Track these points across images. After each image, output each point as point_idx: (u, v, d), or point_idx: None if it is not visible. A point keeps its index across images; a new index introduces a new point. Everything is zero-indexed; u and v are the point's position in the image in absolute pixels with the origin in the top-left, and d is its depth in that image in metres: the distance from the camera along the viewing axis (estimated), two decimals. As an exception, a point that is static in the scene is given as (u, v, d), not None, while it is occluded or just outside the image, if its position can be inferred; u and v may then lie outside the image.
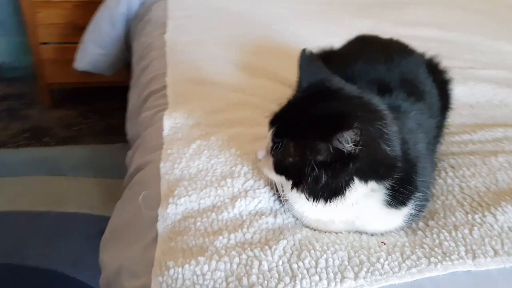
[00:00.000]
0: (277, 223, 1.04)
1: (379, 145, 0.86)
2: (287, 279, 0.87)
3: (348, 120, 0.81)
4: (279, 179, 0.98)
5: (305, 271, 0.89)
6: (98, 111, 3.11)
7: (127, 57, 2.68)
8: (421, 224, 1.03)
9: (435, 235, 0.99)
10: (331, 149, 0.83)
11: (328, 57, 1.32)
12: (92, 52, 2.64)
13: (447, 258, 0.92)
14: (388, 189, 0.92)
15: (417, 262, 0.91)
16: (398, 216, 0.99)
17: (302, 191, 0.92)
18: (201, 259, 0.93)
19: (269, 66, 1.65)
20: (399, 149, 0.90)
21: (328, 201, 0.90)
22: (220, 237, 0.98)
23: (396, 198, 0.94)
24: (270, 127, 0.96)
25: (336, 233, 1.02)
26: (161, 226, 1.05)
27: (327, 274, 0.88)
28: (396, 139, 0.90)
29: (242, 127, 1.34)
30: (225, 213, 1.05)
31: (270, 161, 0.96)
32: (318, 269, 0.89)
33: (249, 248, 0.94)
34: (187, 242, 0.99)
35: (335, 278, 0.87)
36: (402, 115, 1.02)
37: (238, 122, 1.36)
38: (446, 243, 0.96)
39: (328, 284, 0.86)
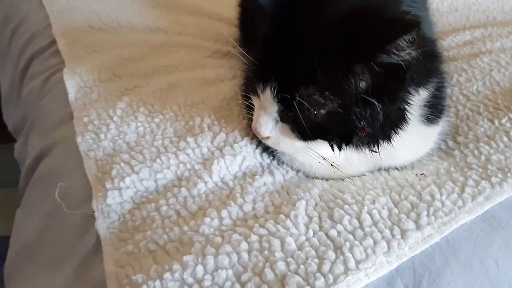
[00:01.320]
0: (278, 181, 0.74)
1: (424, 38, 0.59)
2: (331, 254, 0.58)
3: (397, 20, 0.54)
4: (313, 147, 0.66)
5: (350, 236, 0.61)
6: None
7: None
8: (450, 143, 0.81)
9: (476, 151, 0.77)
10: (378, 67, 0.55)
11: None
12: None
13: (508, 174, 0.70)
14: (428, 98, 0.67)
15: (479, 188, 0.68)
16: (433, 135, 0.76)
17: (359, 145, 0.64)
18: (187, 258, 0.59)
19: (189, 0, 1.29)
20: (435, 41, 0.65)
21: (392, 137, 0.63)
22: (207, 219, 0.65)
23: (434, 110, 0.70)
24: (262, 85, 0.62)
25: (354, 176, 0.75)
26: (102, 226, 0.69)
27: (381, 232, 0.61)
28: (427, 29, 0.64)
29: (181, 72, 1.00)
30: (200, 185, 0.72)
31: (287, 129, 0.64)
32: (367, 229, 0.62)
33: (257, 224, 0.63)
34: (155, 240, 0.65)
35: (393, 235, 0.61)
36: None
37: (173, 67, 1.01)
38: (494, 157, 0.75)
39: (389, 245, 0.59)
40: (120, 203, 0.71)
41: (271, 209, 0.66)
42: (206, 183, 0.72)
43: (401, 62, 0.53)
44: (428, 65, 0.64)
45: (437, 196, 0.66)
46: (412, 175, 0.73)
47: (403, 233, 0.61)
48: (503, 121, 0.84)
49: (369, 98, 0.56)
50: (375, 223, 0.62)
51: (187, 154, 0.76)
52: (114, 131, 0.82)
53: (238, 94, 0.91)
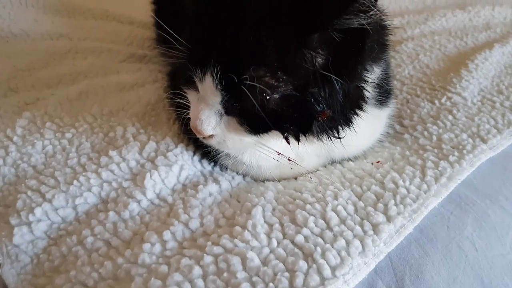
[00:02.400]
0: (225, 189, 0.64)
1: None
2: (302, 264, 0.49)
3: None
4: (265, 141, 0.57)
5: (319, 240, 0.52)
6: None
7: None
8: (397, 127, 0.77)
9: (425, 132, 0.74)
10: (338, 35, 0.47)
11: None
12: None
13: (464, 151, 0.67)
14: (380, 77, 0.61)
15: (440, 169, 0.64)
16: (384, 118, 0.71)
17: (318, 133, 0.54)
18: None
19: (94, 4, 1.23)
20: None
21: (352, 120, 0.55)
22: (146, 246, 0.53)
23: (384, 91, 0.65)
24: (200, 72, 0.51)
25: (309, 173, 0.67)
26: (11, 273, 0.55)
27: (351, 229, 0.54)
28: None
29: (91, 78, 0.86)
30: (132, 205, 0.59)
31: (233, 123, 0.54)
32: (336, 228, 0.54)
33: (210, 242, 0.53)
34: (82, 281, 0.52)
35: (365, 232, 0.54)
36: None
37: (82, 74, 0.87)
38: (445, 136, 0.72)
39: (363, 244, 0.52)
40: (31, 241, 0.57)
41: (222, 221, 0.56)
42: (139, 202, 0.60)
43: (366, 25, 0.46)
44: (384, 37, 0.58)
45: (400, 182, 0.61)
46: (368, 164, 0.67)
47: (375, 228, 0.54)
48: (443, 100, 0.82)
49: (328, 74, 0.48)
50: (343, 221, 0.55)
51: (111, 171, 0.63)
52: (15, 154, 0.67)
53: (164, 97, 0.79)
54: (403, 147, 0.71)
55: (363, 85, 0.54)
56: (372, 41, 0.51)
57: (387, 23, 0.59)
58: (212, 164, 0.68)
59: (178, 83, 0.59)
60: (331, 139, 0.55)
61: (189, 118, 0.58)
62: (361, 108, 0.55)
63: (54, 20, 1.09)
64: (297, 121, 0.51)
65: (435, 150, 0.68)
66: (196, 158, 0.68)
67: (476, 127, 0.73)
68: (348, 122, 0.54)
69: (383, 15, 0.54)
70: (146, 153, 0.66)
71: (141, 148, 0.67)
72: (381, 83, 0.62)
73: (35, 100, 0.78)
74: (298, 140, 0.54)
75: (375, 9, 0.46)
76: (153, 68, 0.95)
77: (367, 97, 0.55)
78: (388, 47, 0.61)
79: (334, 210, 0.56)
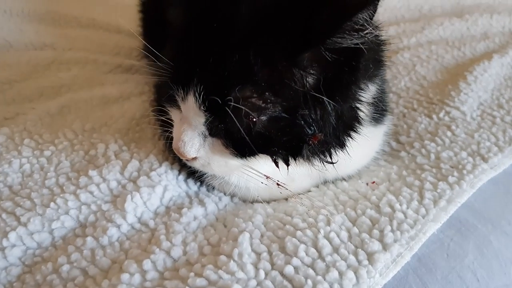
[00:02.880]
0: (211, 212, 0.60)
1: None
2: (291, 299, 0.46)
3: None
4: (251, 164, 0.53)
5: (310, 271, 0.49)
6: None
7: None
8: (394, 144, 0.73)
9: (423, 150, 0.70)
10: (331, 54, 0.44)
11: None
12: None
13: (464, 171, 0.64)
14: (375, 94, 0.58)
15: (439, 191, 0.60)
16: (379, 136, 0.67)
17: (309, 157, 0.51)
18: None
19: (80, 12, 1.18)
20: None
21: (346, 143, 0.52)
22: (124, 276, 0.50)
23: (379, 108, 0.61)
24: (182, 92, 0.48)
25: (299, 194, 0.63)
26: None
27: (345, 259, 0.50)
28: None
29: (75, 91, 0.82)
30: (112, 230, 0.56)
31: (218, 145, 0.50)
32: (328, 258, 0.50)
33: (193, 273, 0.49)
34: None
35: (359, 262, 0.50)
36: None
37: (65, 87, 0.83)
38: (444, 154, 0.69)
39: (357, 275, 0.49)
40: (4, 268, 0.53)
41: (207, 249, 0.52)
42: (119, 227, 0.56)
43: (360, 45, 0.43)
44: (380, 53, 0.55)
45: (397, 206, 0.57)
46: (363, 185, 0.64)
47: (370, 257, 0.50)
48: (441, 115, 0.79)
49: (319, 96, 0.45)
50: (335, 250, 0.51)
51: (91, 192, 0.60)
52: (-11, 173, 0.63)
53: (150, 111, 0.76)
54: (399, 166, 0.68)
55: (357, 105, 0.50)
56: (367, 59, 0.48)
57: (383, 38, 0.55)
58: (199, 184, 0.65)
59: (161, 100, 0.56)
60: (323, 163, 0.51)
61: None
62: (355, 130, 0.51)
63: (39, 29, 1.06)
64: (286, 145, 0.48)
65: (434, 170, 0.65)
66: (181, 177, 0.64)
67: (476, 145, 0.70)
68: (341, 145, 0.51)
69: (379, 30, 0.51)
70: (128, 172, 0.62)
71: (123, 167, 0.63)
72: (376, 101, 0.59)
73: (15, 115, 0.74)
74: (287, 164, 0.51)
75: (370, 28, 0.42)
76: (140, 79, 0.91)
77: (362, 118, 0.52)
78: (384, 63, 0.58)
79: (327, 237, 0.53)
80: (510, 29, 1.21)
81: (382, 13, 1.43)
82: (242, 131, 0.45)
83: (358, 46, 0.43)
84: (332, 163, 0.52)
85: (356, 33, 0.42)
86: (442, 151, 0.69)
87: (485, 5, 1.42)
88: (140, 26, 0.94)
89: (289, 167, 0.52)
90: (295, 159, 0.50)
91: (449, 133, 0.73)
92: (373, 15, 0.42)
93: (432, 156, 0.68)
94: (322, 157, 0.51)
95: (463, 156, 0.68)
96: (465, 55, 1.05)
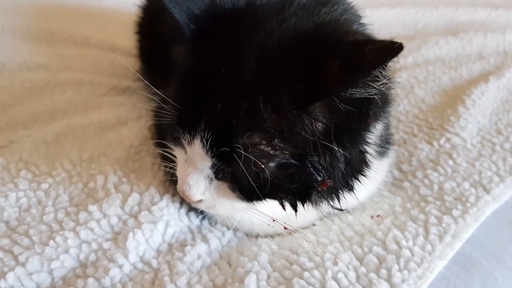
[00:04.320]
0: (215, 248, 0.59)
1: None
2: None
3: (380, 44, 0.40)
4: (258, 205, 0.51)
5: (319, 316, 0.48)
6: None
7: None
8: (396, 173, 0.73)
9: (426, 180, 0.70)
10: (344, 105, 0.43)
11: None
12: None
13: (467, 204, 0.64)
14: (381, 131, 0.58)
15: (444, 226, 0.60)
16: (383, 169, 0.67)
17: (317, 202, 0.50)
18: None
19: (74, 29, 1.16)
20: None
21: (354, 186, 0.51)
22: (128, 322, 0.48)
23: (384, 142, 0.61)
24: (189, 136, 0.47)
25: (304, 229, 0.63)
26: None
27: (354, 302, 0.49)
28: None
29: (70, 117, 0.81)
30: (114, 271, 0.54)
31: (224, 188, 0.49)
32: (337, 301, 0.49)
33: (199, 319, 0.48)
34: None
35: (368, 304, 0.49)
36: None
37: (60, 112, 0.82)
38: (446, 185, 0.68)
39: (366, 320, 0.48)
40: (1, 310, 0.51)
41: (212, 292, 0.51)
42: (121, 267, 0.54)
43: (373, 95, 0.43)
44: (387, 94, 0.55)
45: (403, 242, 0.57)
46: (368, 218, 0.63)
47: (379, 299, 0.50)
48: (442, 141, 0.79)
49: (328, 144, 0.44)
50: (344, 291, 0.51)
51: (91, 229, 0.58)
52: (-16, 208, 0.61)
53: (149, 138, 0.74)
54: (403, 198, 0.67)
55: (365, 147, 0.50)
56: (378, 104, 0.47)
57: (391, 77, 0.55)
58: (201, 217, 0.64)
59: (165, 138, 0.54)
60: (330, 206, 0.51)
61: (176, 170, 0.53)
62: (363, 174, 0.51)
63: (32, 47, 1.04)
64: (294, 191, 0.47)
65: (437, 203, 0.65)
66: (183, 211, 0.63)
67: (478, 174, 0.70)
68: (350, 189, 0.50)
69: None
70: (128, 207, 0.61)
71: (124, 202, 0.61)
72: (381, 137, 0.59)
73: (9, 142, 0.72)
74: (295, 209, 0.50)
75: (384, 80, 0.42)
76: (136, 101, 0.90)
77: (370, 160, 0.51)
78: (391, 101, 0.57)
79: (335, 278, 0.52)
80: (504, 48, 1.22)
81: (378, 31, 1.44)
82: (250, 178, 0.45)
83: (372, 96, 0.43)
84: (340, 210, 0.51)
85: (370, 85, 0.42)
86: (445, 182, 0.69)
87: (478, 22, 1.43)
88: (137, 47, 0.93)
89: (296, 214, 0.52)
90: (303, 204, 0.49)
91: (450, 162, 0.73)
92: (386, 66, 0.41)
93: (435, 187, 0.68)
94: (331, 202, 0.50)
95: (465, 187, 0.68)
96: (461, 76, 1.05)
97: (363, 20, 0.57)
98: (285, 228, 0.54)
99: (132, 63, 1.00)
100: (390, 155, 0.67)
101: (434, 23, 1.43)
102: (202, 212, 0.62)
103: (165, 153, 0.57)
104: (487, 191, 0.67)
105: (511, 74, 1.03)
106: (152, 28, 0.83)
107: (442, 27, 1.41)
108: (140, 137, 0.75)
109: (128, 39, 0.98)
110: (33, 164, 0.67)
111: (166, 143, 0.55)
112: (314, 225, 0.64)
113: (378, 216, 0.63)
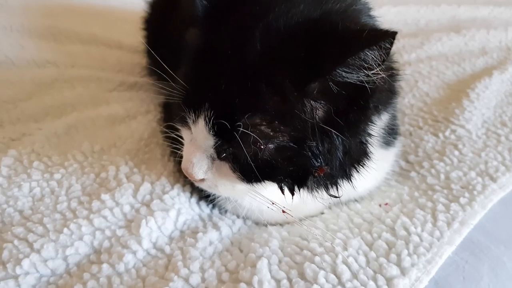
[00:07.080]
0: (226, 235, 0.60)
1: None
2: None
3: (367, 30, 0.42)
4: (259, 189, 0.52)
5: (331, 298, 0.49)
6: None
7: None
8: (403, 163, 0.74)
9: (433, 170, 0.71)
10: (336, 87, 0.45)
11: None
12: None
13: (474, 192, 0.65)
14: (388, 121, 0.59)
15: (451, 213, 0.61)
16: (390, 158, 0.68)
17: (314, 188, 0.51)
18: None
19: (80, 27, 1.18)
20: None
21: (353, 175, 0.52)
22: (143, 305, 0.49)
23: (391, 132, 0.62)
24: (194, 114, 0.48)
25: (311, 217, 0.64)
26: None
27: (365, 285, 0.50)
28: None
29: (80, 111, 0.81)
30: (128, 257, 0.55)
31: (226, 169, 0.50)
32: (348, 285, 0.50)
33: (213, 302, 0.48)
34: None
35: (378, 287, 0.50)
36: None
37: (70, 106, 0.83)
38: (453, 174, 0.69)
39: (378, 301, 0.49)
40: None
41: (225, 276, 0.52)
42: (134, 253, 0.55)
43: (364, 84, 0.44)
44: (394, 86, 0.56)
45: (412, 229, 0.58)
46: (376, 207, 0.64)
47: (389, 282, 0.51)
48: (447, 133, 0.80)
49: (328, 128, 0.46)
50: (355, 275, 0.51)
51: (104, 217, 0.59)
52: (0, 197, 0.62)
53: (158, 130, 0.75)
54: (411, 187, 0.68)
55: (367, 139, 0.51)
56: (377, 99, 0.48)
57: (395, 66, 0.56)
58: (211, 206, 0.65)
59: (173, 118, 0.56)
60: (330, 196, 0.52)
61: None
62: (363, 165, 0.52)
63: (40, 45, 1.05)
64: (291, 175, 0.49)
65: (445, 191, 0.65)
66: (193, 200, 0.64)
67: (484, 164, 0.71)
68: (348, 178, 0.51)
69: (393, 62, 0.52)
70: (140, 196, 0.62)
71: (136, 191, 0.62)
72: (388, 126, 0.60)
73: (21, 135, 0.73)
74: (292, 193, 0.51)
75: (378, 69, 0.43)
76: (144, 96, 0.91)
77: (371, 152, 0.52)
78: (397, 92, 0.58)
79: (345, 262, 0.53)
80: (507, 44, 1.23)
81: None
82: (248, 157, 0.46)
83: (363, 84, 0.44)
84: (336, 197, 0.52)
85: (362, 71, 0.43)
86: (452, 171, 0.70)
87: (480, 19, 1.44)
88: (144, 43, 0.94)
89: (293, 198, 0.53)
90: (299, 189, 0.50)
91: (456, 152, 0.74)
92: (385, 58, 0.42)
93: (442, 176, 0.69)
94: (327, 189, 0.51)
95: (472, 176, 0.68)
96: (465, 71, 1.06)
97: (373, 12, 0.57)
98: (283, 211, 0.55)
99: (137, 61, 1.01)
100: (397, 145, 0.68)
101: (436, 21, 1.44)
102: (212, 201, 0.63)
103: (174, 137, 0.58)
104: (493, 180, 0.68)
105: (514, 68, 1.04)
106: (158, 24, 0.85)
107: (444, 24, 1.42)
108: (149, 130, 0.76)
109: (134, 37, 1.00)
110: (46, 155, 0.68)
111: (174, 124, 0.57)
112: (322, 213, 0.64)
113: (386, 204, 0.64)
